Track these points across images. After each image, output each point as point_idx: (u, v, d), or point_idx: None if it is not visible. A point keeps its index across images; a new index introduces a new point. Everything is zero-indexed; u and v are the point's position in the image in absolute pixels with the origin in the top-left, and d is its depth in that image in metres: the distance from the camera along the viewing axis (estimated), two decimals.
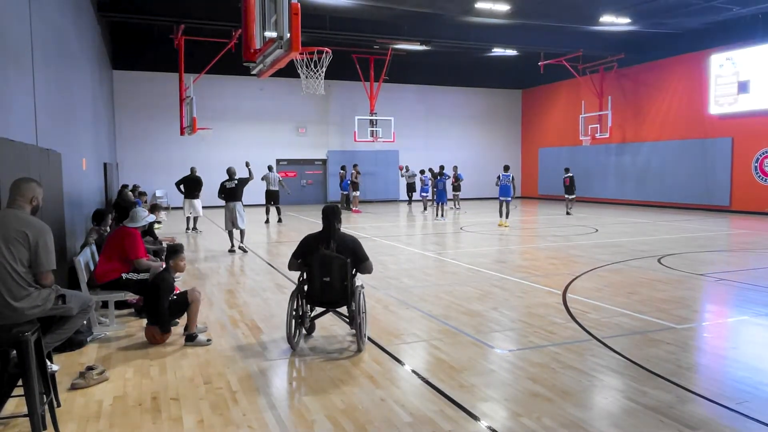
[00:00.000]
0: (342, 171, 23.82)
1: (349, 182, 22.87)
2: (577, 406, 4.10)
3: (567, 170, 20.61)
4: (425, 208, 22.28)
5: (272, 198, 18.05)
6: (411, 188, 25.25)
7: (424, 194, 22.25)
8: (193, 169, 16.32)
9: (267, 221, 18.05)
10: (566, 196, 20.31)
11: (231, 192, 12.23)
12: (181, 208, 16.49)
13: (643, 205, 23.34)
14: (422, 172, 22.54)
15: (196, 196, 15.75)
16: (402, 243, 13.29)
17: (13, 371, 3.71)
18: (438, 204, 19.19)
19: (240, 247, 12.15)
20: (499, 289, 8.10)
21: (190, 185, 15.68)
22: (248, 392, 4.44)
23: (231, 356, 5.31)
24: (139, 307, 6.79)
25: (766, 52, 18.84)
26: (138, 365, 5.10)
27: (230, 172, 12.53)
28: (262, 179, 17.92)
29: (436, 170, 20.76)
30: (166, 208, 22.33)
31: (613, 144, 24.95)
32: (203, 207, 16.22)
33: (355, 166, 23.23)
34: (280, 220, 18.33)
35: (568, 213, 20.01)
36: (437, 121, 29.13)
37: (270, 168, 18.43)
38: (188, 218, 15.80)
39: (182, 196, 15.94)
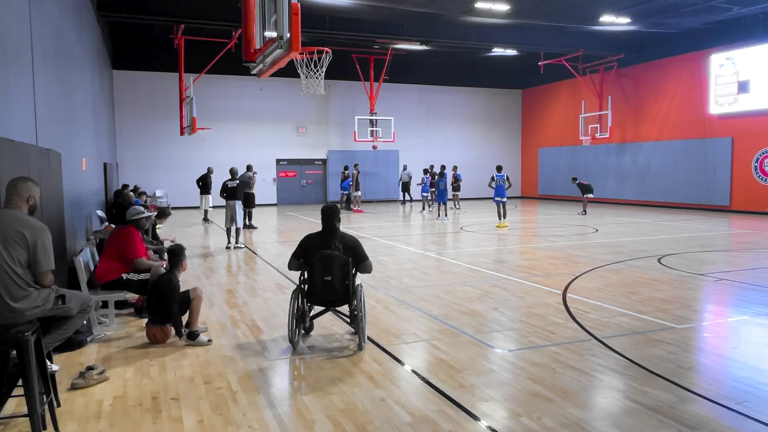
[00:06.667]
0: (345, 171, 23.78)
1: (350, 182, 22.88)
2: (577, 406, 4.10)
3: (574, 180, 20.67)
4: (423, 208, 22.30)
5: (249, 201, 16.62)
6: (405, 188, 25.37)
7: (424, 194, 22.23)
8: (210, 169, 18.91)
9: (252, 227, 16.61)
10: (584, 196, 20.24)
11: (232, 191, 12.87)
12: (181, 207, 17.01)
13: (643, 205, 23.34)
14: (426, 171, 22.43)
15: (209, 192, 18.68)
16: (402, 243, 13.29)
17: (13, 371, 3.70)
18: (439, 204, 19.21)
19: (236, 246, 12.65)
20: (499, 289, 8.10)
21: (206, 183, 18.70)
22: (248, 392, 4.44)
23: (231, 356, 5.31)
24: (139, 307, 6.80)
25: (766, 52, 18.83)
26: (138, 365, 5.10)
27: (232, 172, 13.49)
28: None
29: (436, 170, 20.81)
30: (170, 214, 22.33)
31: (613, 144, 24.94)
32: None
33: (356, 165, 23.26)
34: (250, 226, 16.63)
35: (584, 212, 20.01)
36: (437, 121, 29.13)
37: (249, 168, 17.00)
38: (205, 210, 18.88)
39: (194, 192, 19.52)
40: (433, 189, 20.35)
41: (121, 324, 6.40)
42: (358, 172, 22.97)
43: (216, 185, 16.55)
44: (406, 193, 25.51)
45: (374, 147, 25.81)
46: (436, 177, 19.89)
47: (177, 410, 4.12)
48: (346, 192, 23.28)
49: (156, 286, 5.75)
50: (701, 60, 20.93)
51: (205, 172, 18.88)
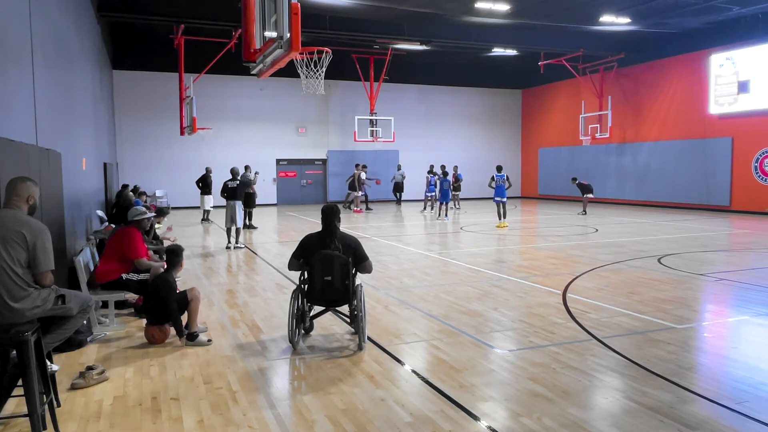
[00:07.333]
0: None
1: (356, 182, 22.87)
2: (578, 406, 4.10)
3: (574, 180, 20.71)
4: (424, 208, 22.29)
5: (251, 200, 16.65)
6: (398, 188, 25.39)
7: (430, 194, 22.20)
8: (208, 169, 18.79)
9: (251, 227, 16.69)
10: (584, 196, 20.27)
11: (232, 191, 12.87)
12: (181, 207, 17.05)
13: (643, 205, 23.34)
14: (429, 171, 22.40)
15: (209, 193, 18.58)
16: (402, 243, 13.29)
17: (13, 371, 3.70)
18: (441, 203, 19.25)
19: (236, 246, 12.67)
20: (499, 289, 8.10)
21: (206, 184, 18.64)
22: (248, 392, 4.44)
23: (231, 356, 5.31)
24: (139, 307, 6.80)
25: (766, 52, 18.83)
26: (138, 365, 5.10)
27: (233, 172, 13.49)
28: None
29: (438, 170, 20.86)
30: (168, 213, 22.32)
31: (613, 144, 24.94)
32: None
33: (357, 166, 23.21)
34: (250, 226, 16.73)
35: (584, 212, 20.02)
36: (437, 121, 29.12)
37: (247, 168, 16.79)
38: (204, 211, 18.79)
39: (195, 192, 19.36)
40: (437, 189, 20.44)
41: (121, 324, 6.41)
42: (359, 173, 22.94)
43: (217, 185, 16.55)
44: (399, 194, 25.54)
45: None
46: (438, 176, 19.96)
47: (177, 410, 4.12)
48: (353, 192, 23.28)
49: (153, 286, 5.75)
50: (701, 60, 20.92)
51: (204, 172, 18.87)
